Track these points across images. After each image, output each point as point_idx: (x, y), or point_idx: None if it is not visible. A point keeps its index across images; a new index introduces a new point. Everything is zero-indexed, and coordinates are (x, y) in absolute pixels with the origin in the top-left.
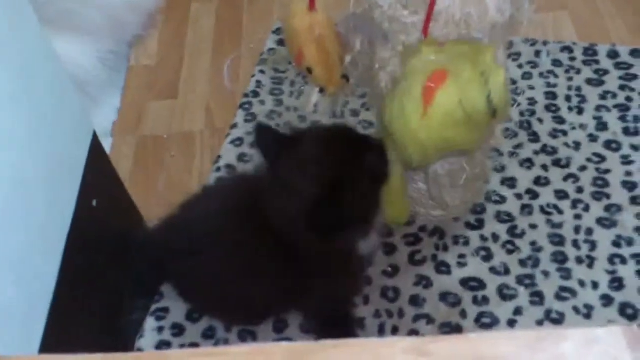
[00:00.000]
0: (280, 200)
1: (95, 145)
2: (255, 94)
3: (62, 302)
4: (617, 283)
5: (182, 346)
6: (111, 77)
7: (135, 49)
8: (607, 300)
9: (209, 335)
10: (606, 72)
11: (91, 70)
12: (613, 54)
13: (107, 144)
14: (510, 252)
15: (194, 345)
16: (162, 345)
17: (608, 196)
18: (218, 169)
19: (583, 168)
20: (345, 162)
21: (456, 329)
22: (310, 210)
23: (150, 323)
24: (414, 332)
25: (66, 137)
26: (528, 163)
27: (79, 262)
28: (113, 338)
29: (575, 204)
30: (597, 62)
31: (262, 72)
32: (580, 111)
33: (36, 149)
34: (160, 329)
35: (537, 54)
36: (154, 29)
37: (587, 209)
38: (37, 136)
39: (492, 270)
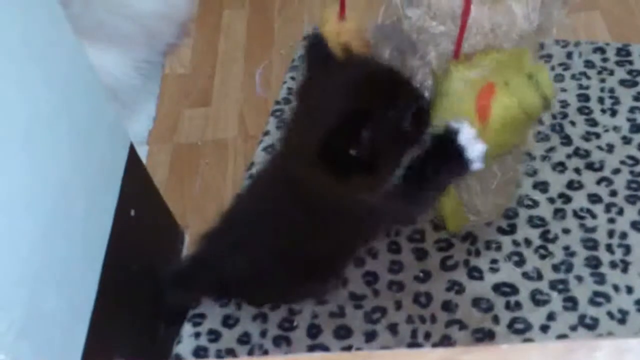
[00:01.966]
0: (305, 123)
1: (132, 156)
2: (287, 101)
3: (102, 311)
4: None
5: (218, 351)
6: (146, 86)
7: (169, 57)
8: None
9: (244, 340)
10: None
11: (126, 79)
12: None
13: (143, 152)
14: (543, 256)
15: (230, 351)
16: (199, 350)
17: None
18: (251, 176)
19: (617, 171)
20: (378, 101)
21: (489, 335)
22: (324, 138)
23: (187, 329)
24: (446, 338)
25: (103, 148)
26: (560, 167)
27: (118, 270)
28: (152, 344)
29: (608, 207)
30: (630, 62)
31: (292, 78)
32: (614, 113)
33: (76, 161)
34: (197, 335)
35: (569, 55)
36: (187, 38)
37: (621, 212)
38: (76, 148)
39: (525, 275)
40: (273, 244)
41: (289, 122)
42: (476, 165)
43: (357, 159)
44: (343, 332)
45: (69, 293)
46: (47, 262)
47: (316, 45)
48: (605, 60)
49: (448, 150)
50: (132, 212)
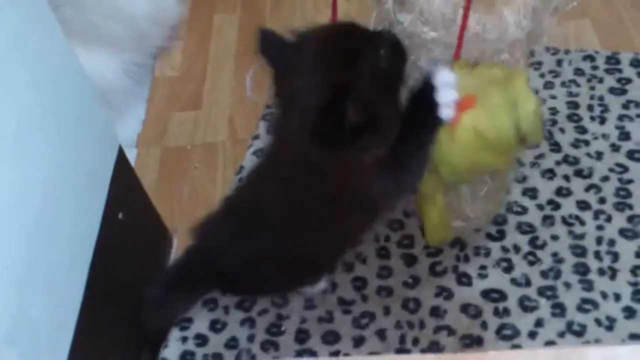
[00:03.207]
0: (286, 113)
1: (121, 158)
2: None
3: (89, 316)
4: None
5: (205, 356)
6: (136, 89)
7: (159, 60)
8: (629, 313)
9: (231, 345)
10: (629, 80)
11: (116, 81)
12: (636, 63)
13: (131, 155)
14: (531, 263)
15: (217, 355)
16: (186, 355)
17: (631, 207)
18: (240, 180)
19: (605, 178)
20: (349, 63)
21: (477, 341)
22: (313, 123)
23: (174, 333)
24: (434, 344)
25: (92, 151)
26: (549, 173)
27: (105, 274)
28: (138, 348)
29: (597, 214)
30: (619, 70)
31: None
32: (603, 121)
33: (64, 163)
34: (184, 339)
35: (559, 62)
36: (177, 41)
37: (609, 219)
38: (64, 151)
39: (513, 281)
40: (269, 234)
41: (276, 118)
42: (446, 112)
43: (357, 124)
44: (331, 337)
45: (55, 298)
46: (34, 266)
47: (267, 39)
48: (594, 68)
49: (423, 98)
50: (120, 216)
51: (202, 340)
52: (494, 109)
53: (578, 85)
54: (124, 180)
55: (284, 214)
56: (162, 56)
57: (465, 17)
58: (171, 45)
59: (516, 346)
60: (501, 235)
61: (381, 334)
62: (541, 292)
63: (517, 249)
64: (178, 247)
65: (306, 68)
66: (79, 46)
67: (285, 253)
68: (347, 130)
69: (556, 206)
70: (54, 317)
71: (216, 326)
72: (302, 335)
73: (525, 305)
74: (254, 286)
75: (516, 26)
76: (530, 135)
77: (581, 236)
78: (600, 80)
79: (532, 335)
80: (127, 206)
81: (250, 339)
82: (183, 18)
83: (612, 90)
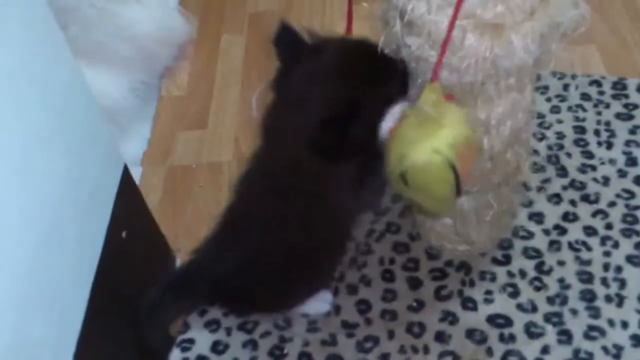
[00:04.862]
0: (285, 111)
1: (126, 177)
2: None
3: (90, 337)
4: None
5: None
6: (142, 108)
7: (165, 80)
8: (637, 341)
9: None
10: (636, 106)
11: (122, 100)
12: None
13: (136, 174)
14: (537, 288)
15: None
16: None
17: (638, 233)
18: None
19: (612, 204)
20: (365, 81)
21: None
22: (317, 128)
23: (175, 354)
24: None
25: (97, 169)
26: (556, 198)
27: (107, 293)
28: None
29: (604, 240)
30: (626, 96)
31: None
32: (610, 146)
33: (69, 181)
34: None
35: (566, 87)
36: (184, 61)
37: (616, 245)
38: (70, 169)
39: (519, 307)
40: (264, 244)
41: (268, 115)
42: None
43: (356, 140)
44: None
45: (57, 318)
46: (36, 286)
47: (285, 34)
48: (601, 93)
49: None
50: (124, 234)
51: None
52: (403, 143)
53: (585, 110)
54: (128, 199)
55: (271, 218)
56: (168, 76)
57: (449, 32)
58: (178, 65)
59: None
60: (507, 260)
61: (385, 359)
62: (547, 318)
63: (523, 274)
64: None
65: (321, 75)
66: (86, 65)
67: (275, 260)
68: (348, 146)
69: (563, 231)
70: (55, 337)
71: (218, 347)
72: (304, 359)
73: (531, 332)
74: (251, 300)
75: (524, 51)
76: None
77: (588, 262)
78: (607, 106)
79: None
80: (131, 225)
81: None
82: (190, 38)
83: (618, 116)
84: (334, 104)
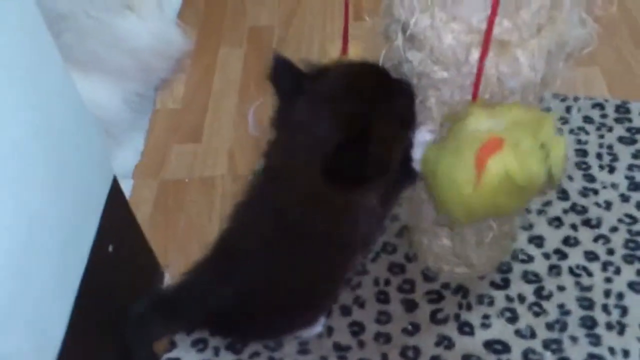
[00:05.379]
0: (293, 145)
1: (115, 189)
2: None
3: (70, 350)
4: None
5: None
6: (136, 119)
7: (161, 92)
8: None
9: None
10: (639, 130)
11: (116, 111)
12: None
13: (127, 186)
14: (536, 314)
15: None
16: None
17: None
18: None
19: (614, 229)
20: (374, 102)
21: None
22: (331, 154)
23: None
24: None
25: (85, 180)
26: (557, 222)
27: (91, 308)
28: None
29: (605, 266)
30: (629, 120)
31: None
32: (612, 170)
33: (55, 191)
34: None
35: (568, 109)
36: (181, 73)
37: (618, 272)
38: (56, 178)
39: (518, 333)
40: (260, 274)
41: (271, 151)
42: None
43: (374, 159)
44: None
45: (36, 332)
46: (14, 297)
47: (279, 66)
48: (604, 116)
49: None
50: (110, 248)
51: None
52: (525, 154)
53: (587, 132)
54: (116, 212)
55: (273, 248)
56: (164, 88)
57: (483, 53)
58: (174, 77)
59: None
60: (506, 284)
61: None
62: (546, 345)
63: (522, 298)
64: (169, 282)
65: (328, 99)
66: (80, 74)
67: (275, 292)
68: (367, 167)
69: (563, 256)
70: (32, 350)
71: None
72: None
73: (530, 359)
74: (245, 329)
75: (530, 69)
76: (557, 179)
77: (589, 288)
78: (610, 129)
79: None
80: (119, 239)
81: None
82: (188, 51)
83: (621, 139)
84: (345, 125)
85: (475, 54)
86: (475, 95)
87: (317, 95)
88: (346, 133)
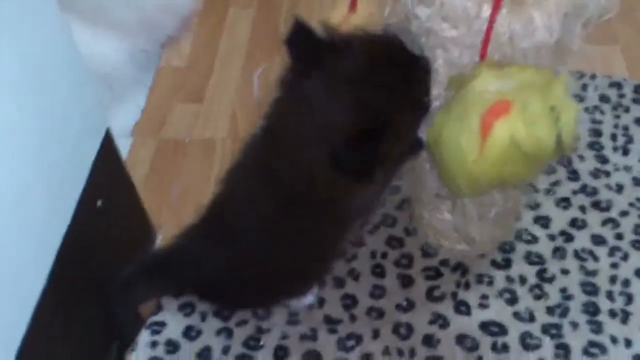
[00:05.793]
0: (300, 118)
1: (107, 143)
2: None
3: (48, 311)
4: None
5: None
6: (139, 76)
7: (167, 49)
8: None
9: (204, 355)
10: None
11: (120, 67)
12: None
13: (127, 144)
14: (537, 297)
15: None
16: None
17: None
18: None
19: (624, 213)
20: (395, 92)
21: None
22: (344, 147)
23: (144, 336)
24: None
25: (76, 132)
26: (565, 202)
27: (74, 263)
28: (105, 349)
29: (612, 251)
30: None
31: None
32: (626, 152)
33: (42, 139)
34: (153, 344)
35: (584, 87)
36: (188, 32)
37: (625, 258)
38: (43, 127)
39: (516, 315)
40: (252, 240)
41: (273, 114)
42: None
43: (385, 157)
44: (312, 358)
45: (12, 286)
46: None
47: (299, 30)
48: (621, 96)
49: None
50: (100, 203)
51: (173, 347)
52: (533, 117)
53: (602, 112)
54: (107, 166)
55: (266, 214)
56: (170, 45)
57: (494, 11)
58: (181, 36)
59: None
60: (507, 264)
61: (367, 359)
62: (545, 329)
63: (523, 280)
64: (161, 244)
65: (346, 83)
66: (84, 27)
67: (267, 258)
68: (376, 164)
69: (569, 238)
70: (4, 312)
71: (190, 333)
72: (281, 353)
73: (527, 343)
74: (235, 295)
75: (545, 30)
76: (569, 145)
77: (593, 273)
78: (627, 110)
79: None
80: (109, 194)
81: (225, 350)
82: (196, 9)
83: (638, 121)
84: (363, 117)
85: (487, 11)
86: (483, 54)
87: (336, 75)
88: (363, 125)
